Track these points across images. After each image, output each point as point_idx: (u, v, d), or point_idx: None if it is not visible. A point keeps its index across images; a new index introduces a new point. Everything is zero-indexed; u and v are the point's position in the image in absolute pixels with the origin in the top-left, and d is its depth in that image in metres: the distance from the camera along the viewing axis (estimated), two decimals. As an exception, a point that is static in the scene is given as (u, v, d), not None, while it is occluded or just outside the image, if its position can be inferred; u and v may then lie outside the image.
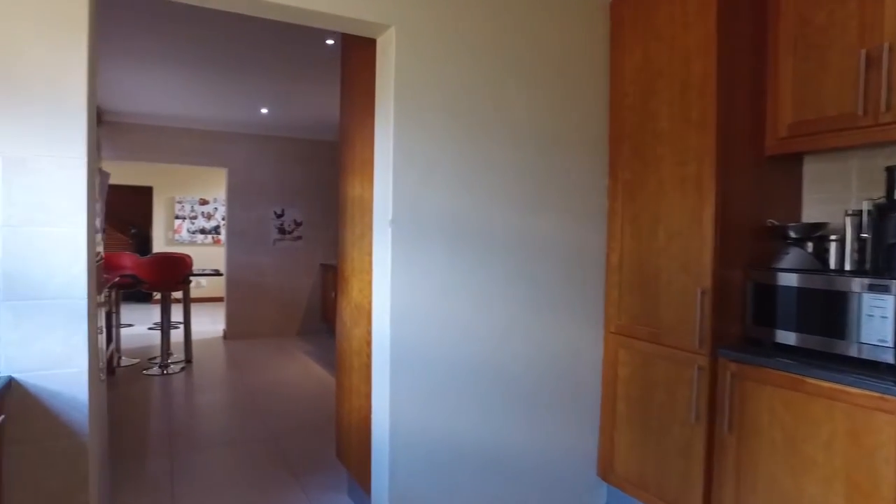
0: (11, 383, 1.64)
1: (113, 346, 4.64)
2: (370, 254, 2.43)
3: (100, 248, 2.66)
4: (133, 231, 10.61)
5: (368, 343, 2.46)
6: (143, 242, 10.59)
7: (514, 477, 2.50)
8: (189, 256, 5.80)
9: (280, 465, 3.24)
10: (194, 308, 9.64)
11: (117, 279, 4.85)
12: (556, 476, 2.61)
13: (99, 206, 2.57)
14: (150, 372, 5.11)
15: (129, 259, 5.57)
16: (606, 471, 2.67)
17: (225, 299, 6.87)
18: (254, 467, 3.21)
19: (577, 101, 2.60)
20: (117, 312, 5.40)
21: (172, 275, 5.01)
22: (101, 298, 2.56)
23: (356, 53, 2.71)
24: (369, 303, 2.45)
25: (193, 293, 8.49)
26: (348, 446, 2.78)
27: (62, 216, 1.68)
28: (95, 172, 1.97)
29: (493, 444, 2.45)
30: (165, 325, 5.22)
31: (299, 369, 5.42)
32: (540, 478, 2.57)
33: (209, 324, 7.99)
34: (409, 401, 2.26)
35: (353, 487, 2.80)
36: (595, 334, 2.71)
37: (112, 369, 4.95)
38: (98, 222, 2.55)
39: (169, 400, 4.37)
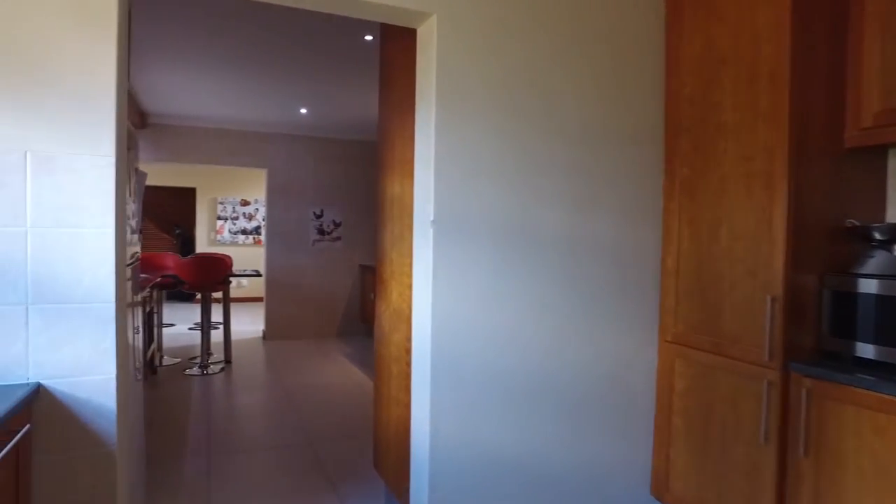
0: (40, 390, 1.57)
1: (154, 345, 4.67)
2: (410, 256, 2.31)
3: (136, 249, 2.62)
4: (177, 231, 10.82)
5: (408, 350, 2.35)
6: (186, 243, 10.79)
7: (561, 494, 2.34)
8: (229, 257, 5.81)
9: (317, 472, 3.15)
10: (235, 308, 9.78)
11: (159, 279, 4.88)
12: (606, 494, 2.44)
13: (136, 207, 2.52)
14: (190, 372, 5.13)
15: (171, 259, 5.61)
16: (661, 490, 2.48)
17: (264, 300, 6.89)
18: (290, 473, 3.14)
19: (629, 93, 2.43)
20: (159, 312, 5.45)
21: (212, 275, 5.02)
22: (138, 298, 2.51)
23: (395, 47, 2.59)
24: (409, 307, 2.33)
25: (234, 293, 8.58)
26: (386, 457, 2.67)
27: (90, 217, 1.61)
28: (126, 171, 1.90)
29: (539, 460, 2.29)
30: (205, 326, 5.24)
31: (337, 372, 5.36)
32: (589, 496, 2.40)
33: (249, 324, 8.05)
34: (450, 412, 2.13)
35: (390, 500, 2.68)
36: (649, 343, 2.53)
37: (154, 369, 4.99)
38: (134, 223, 2.50)
39: (208, 401, 4.36)
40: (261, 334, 7.15)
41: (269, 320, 6.87)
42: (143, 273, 5.15)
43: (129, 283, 2.45)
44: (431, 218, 2.06)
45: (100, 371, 1.62)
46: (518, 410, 2.25)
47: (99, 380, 1.62)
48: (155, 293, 4.96)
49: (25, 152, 1.56)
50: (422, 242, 2.16)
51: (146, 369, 4.26)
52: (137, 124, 6.05)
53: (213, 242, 10.16)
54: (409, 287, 2.32)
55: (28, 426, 1.44)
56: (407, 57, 2.38)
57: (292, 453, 3.42)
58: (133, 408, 2.53)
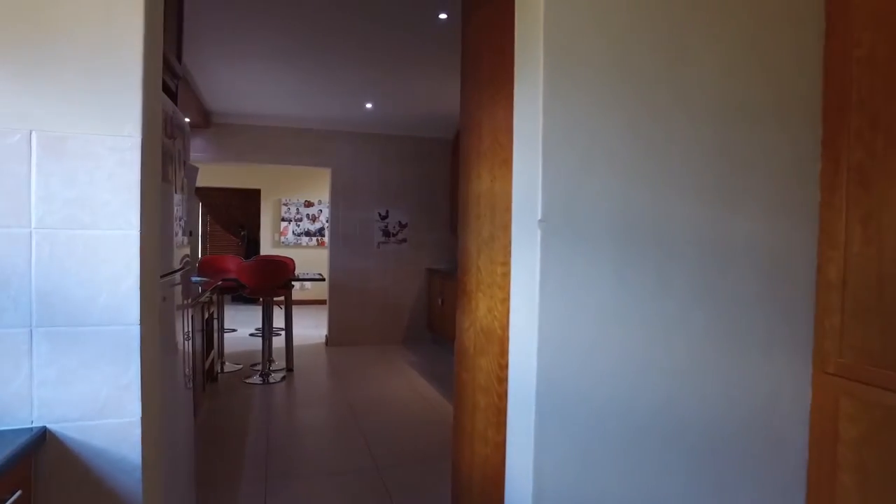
0: (46, 435, 1.23)
1: (214, 352, 4.43)
2: (505, 263, 1.87)
3: (186, 251, 2.30)
4: (242, 233, 10.82)
5: (501, 379, 1.90)
6: (251, 244, 10.77)
7: (696, 569, 1.83)
8: (291, 260, 5.55)
9: (385, 508, 2.76)
10: (297, 311, 9.62)
11: (220, 282, 4.65)
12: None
13: (183, 207, 2.20)
14: (251, 380, 4.87)
15: (233, 262, 5.41)
16: (824, 567, 1.92)
17: (328, 304, 6.62)
18: (355, 508, 2.76)
19: (775, 58, 1.90)
20: (220, 317, 5.24)
21: (274, 279, 4.75)
22: (188, 301, 2.19)
23: (479, 19, 2.16)
24: (503, 327, 1.89)
25: (297, 296, 8.38)
26: (468, 501, 2.24)
27: (110, 215, 1.25)
28: (162, 158, 1.55)
29: (669, 523, 1.80)
30: (267, 332, 4.98)
31: (404, 384, 4.98)
32: (731, 571, 1.88)
33: (312, 328, 7.83)
34: (561, 459, 1.67)
35: (474, 553, 2.25)
36: (799, 374, 1.98)
37: (214, 376, 4.76)
38: (181, 223, 2.18)
39: (267, 414, 4.07)
40: (323, 339, 6.89)
41: (332, 325, 6.60)
42: (204, 276, 4.95)
43: (179, 288, 2.13)
44: (539, 216, 1.60)
45: (120, 413, 1.26)
46: (644, 458, 1.76)
47: (120, 424, 1.26)
48: (215, 297, 4.73)
49: (30, 132, 1.22)
50: (524, 246, 1.71)
51: (204, 378, 4.00)
52: (201, 124, 5.90)
53: (277, 244, 10.07)
54: (504, 301, 1.88)
55: (19, 492, 1.09)
56: (494, 30, 1.95)
57: (356, 480, 3.05)
58: (182, 419, 2.21)
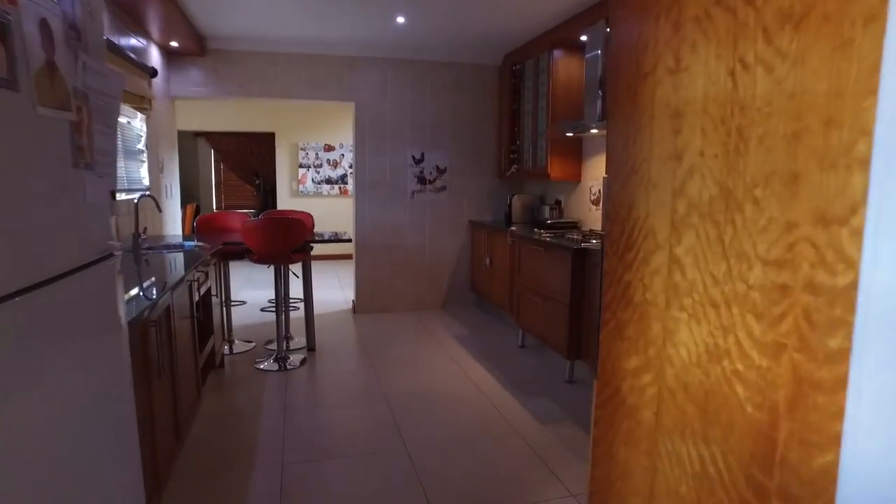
0: None
1: (213, 339, 3.50)
2: (819, 244, 0.82)
3: (112, 187, 1.29)
4: (257, 182, 9.84)
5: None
6: (267, 194, 9.80)
7: None
8: (309, 216, 4.55)
9: None
10: (319, 269, 8.67)
11: (220, 247, 3.68)
12: None
13: (90, 135, 1.17)
14: (264, 366, 3.96)
15: (239, 220, 4.42)
16: None
17: (354, 264, 5.65)
18: None
19: None
20: (225, 287, 4.30)
21: (286, 242, 3.76)
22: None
23: None
24: (795, 386, 0.85)
25: (318, 250, 7.44)
26: None
27: None
28: None
29: None
30: (282, 306, 4.03)
31: (453, 369, 4.03)
32: None
33: (336, 288, 6.91)
34: None
35: None
36: None
37: (218, 362, 3.86)
38: (101, 153, 1.16)
39: (281, 419, 3.15)
40: (350, 305, 5.97)
41: (359, 289, 5.65)
42: (203, 239, 3.99)
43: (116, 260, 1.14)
44: None
45: None
46: None
47: None
48: (217, 266, 3.78)
49: None
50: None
51: (199, 370, 3.09)
52: (195, 51, 4.81)
53: (296, 193, 9.07)
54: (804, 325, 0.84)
55: None
56: None
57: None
58: (117, 421, 1.27)
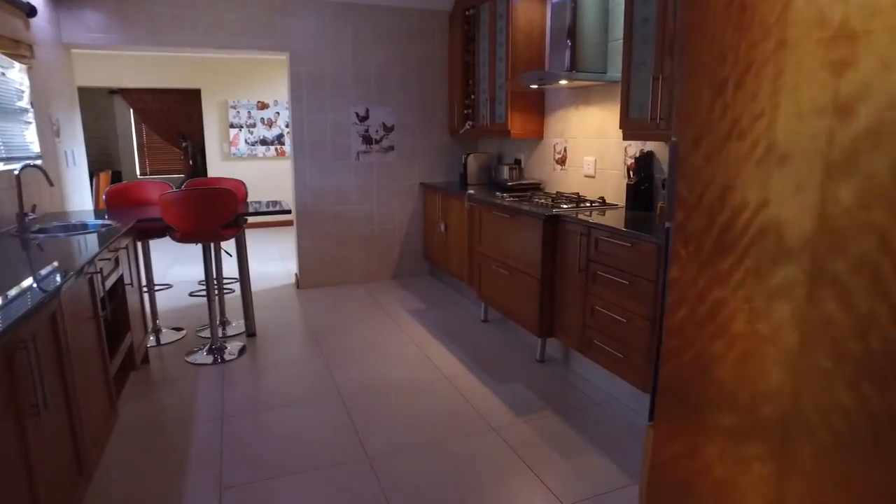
0: None
1: (130, 336, 2.96)
2: None
3: None
4: (184, 144, 8.98)
5: None
6: (197, 157, 8.98)
7: None
8: (241, 184, 3.98)
9: None
10: (256, 237, 8.00)
11: (134, 223, 3.10)
12: None
13: None
14: (196, 359, 3.46)
15: (159, 191, 3.80)
16: None
17: (296, 234, 5.12)
18: None
19: None
20: (147, 270, 3.73)
21: (214, 218, 3.21)
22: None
23: None
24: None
25: (256, 217, 6.94)
26: None
27: None
28: None
29: None
30: (213, 292, 3.50)
31: (410, 349, 3.64)
32: None
33: (277, 260, 6.35)
34: None
35: None
36: None
37: (142, 358, 3.33)
38: None
39: (218, 427, 2.69)
40: (293, 280, 5.45)
41: (302, 262, 5.14)
42: (115, 214, 3.38)
43: None
44: None
45: None
46: None
47: None
48: (133, 245, 3.20)
49: None
50: None
51: (109, 380, 2.59)
52: (93, -13, 4.04)
53: (228, 156, 8.31)
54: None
55: None
56: None
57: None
58: None
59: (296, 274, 5.30)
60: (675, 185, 0.84)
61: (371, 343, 3.76)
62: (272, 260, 6.41)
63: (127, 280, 2.86)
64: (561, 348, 3.46)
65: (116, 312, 2.77)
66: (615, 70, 3.49)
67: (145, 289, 3.68)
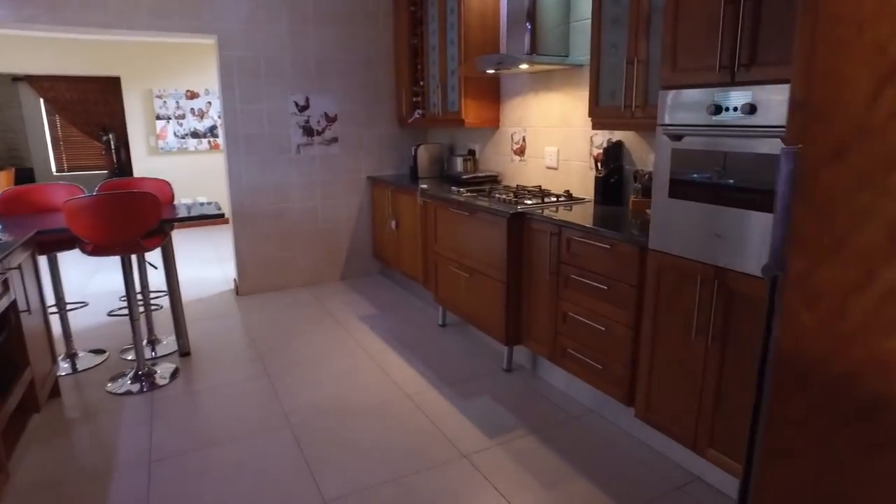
0: None
1: (30, 371, 2.51)
2: None
3: None
4: (105, 138, 8.23)
5: None
6: (121, 151, 8.25)
7: None
8: (165, 185, 3.52)
9: None
10: (189, 237, 7.35)
11: (32, 235, 2.63)
12: None
13: None
14: (119, 387, 3.02)
15: (66, 194, 3.29)
16: None
17: (233, 235, 4.66)
18: None
19: None
20: (55, 288, 3.25)
21: (133, 227, 2.77)
22: None
23: None
24: None
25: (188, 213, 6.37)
26: None
27: None
28: None
29: None
30: (136, 310, 3.06)
31: (365, 363, 3.31)
32: None
33: (213, 262, 5.84)
34: None
35: None
36: None
37: (50, 393, 2.88)
38: None
39: (144, 476, 2.30)
40: (232, 285, 5.00)
41: (241, 266, 4.69)
42: (10, 222, 2.88)
43: None
44: None
45: None
46: None
47: None
48: (33, 259, 2.73)
49: None
50: None
51: (9, 421, 2.16)
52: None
53: (155, 150, 7.65)
54: None
55: None
56: None
57: None
58: None
59: (234, 279, 4.85)
60: (790, 212, 0.57)
61: (322, 357, 3.41)
62: (208, 262, 5.90)
63: (22, 306, 2.40)
64: (529, 355, 3.21)
65: (8, 346, 2.32)
66: (579, 53, 3.23)
67: (54, 310, 3.19)
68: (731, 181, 1.85)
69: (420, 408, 2.79)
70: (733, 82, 1.84)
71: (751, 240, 1.81)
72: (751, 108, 1.76)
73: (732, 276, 1.89)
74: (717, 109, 1.87)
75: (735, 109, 1.82)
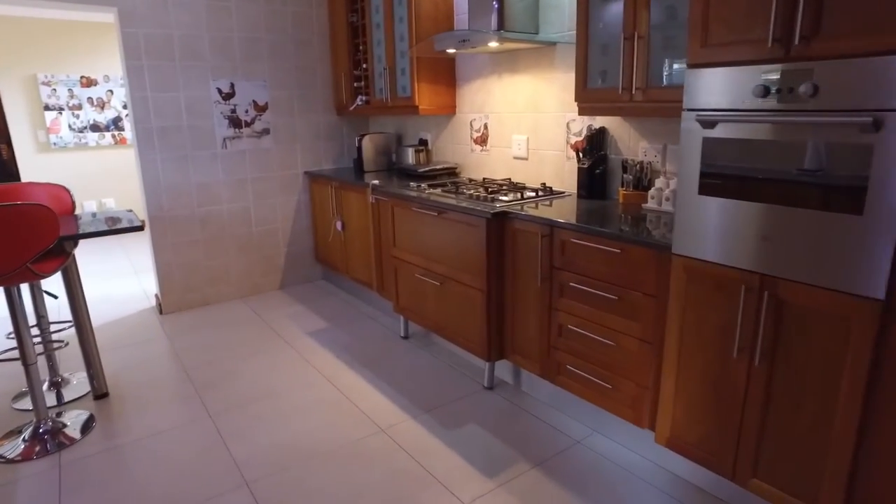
0: None
1: None
2: None
3: None
4: (-16, 133, 7.11)
5: None
6: (2, 149, 7.17)
7: None
8: (64, 191, 2.87)
9: None
10: (95, 247, 6.34)
11: None
12: None
13: None
14: (12, 451, 2.41)
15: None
16: None
17: (151, 245, 4.02)
18: None
19: None
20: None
21: (17, 250, 2.17)
22: None
23: None
24: None
25: (97, 226, 5.67)
26: None
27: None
28: None
29: None
30: (31, 353, 2.44)
31: (324, 392, 2.86)
32: None
33: (129, 275, 5.12)
34: None
35: None
36: None
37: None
38: None
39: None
40: (153, 303, 4.35)
41: (164, 280, 4.06)
42: None
43: None
44: None
45: None
46: None
47: None
48: None
49: None
50: None
51: None
52: None
53: (46, 147, 6.68)
54: None
55: None
56: None
57: None
58: None
59: (156, 294, 4.21)
60: None
61: (272, 387, 2.91)
62: (121, 275, 5.16)
63: None
64: (510, 369, 2.88)
65: None
66: (552, 29, 2.89)
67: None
68: (783, 175, 1.56)
69: (397, 443, 2.38)
70: (787, 57, 1.53)
71: (806, 243, 1.54)
72: (814, 90, 1.47)
73: (784, 285, 1.61)
74: (765, 91, 1.57)
75: (790, 91, 1.52)
